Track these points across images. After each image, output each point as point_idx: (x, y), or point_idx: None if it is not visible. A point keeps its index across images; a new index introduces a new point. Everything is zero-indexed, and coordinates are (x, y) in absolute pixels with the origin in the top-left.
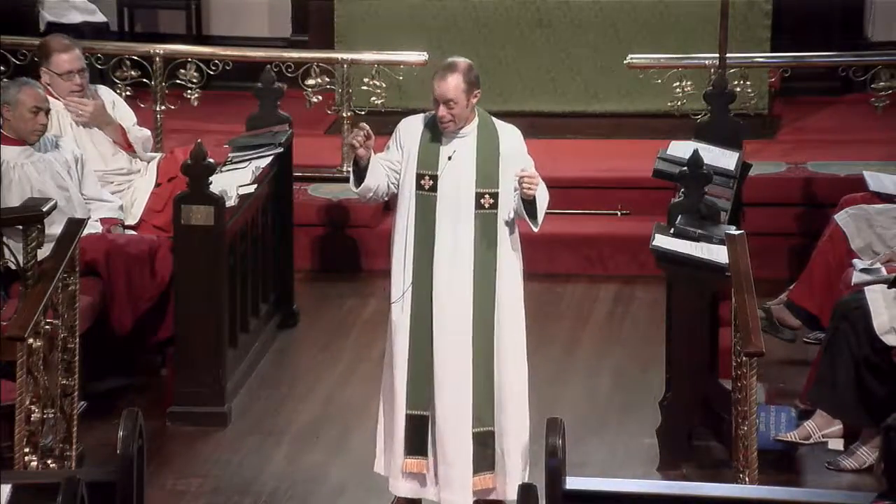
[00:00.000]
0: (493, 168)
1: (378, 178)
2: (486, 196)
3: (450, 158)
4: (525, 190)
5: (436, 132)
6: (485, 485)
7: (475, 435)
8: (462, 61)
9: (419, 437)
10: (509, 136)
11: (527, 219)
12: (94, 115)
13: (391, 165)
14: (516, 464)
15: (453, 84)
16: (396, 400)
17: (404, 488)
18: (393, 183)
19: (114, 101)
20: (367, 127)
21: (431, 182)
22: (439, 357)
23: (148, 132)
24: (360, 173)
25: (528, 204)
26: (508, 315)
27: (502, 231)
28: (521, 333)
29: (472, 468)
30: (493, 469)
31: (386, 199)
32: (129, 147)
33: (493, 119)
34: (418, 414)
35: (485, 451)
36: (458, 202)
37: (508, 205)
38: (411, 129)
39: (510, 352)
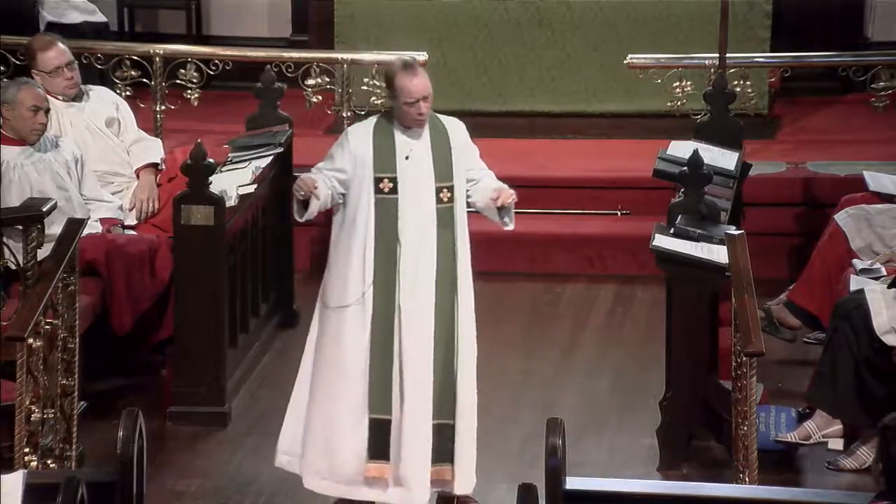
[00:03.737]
0: (447, 162)
1: (322, 198)
2: (444, 190)
3: (407, 158)
4: (507, 203)
5: (387, 135)
6: (442, 475)
7: (435, 426)
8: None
9: (382, 440)
10: (457, 129)
11: (498, 220)
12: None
13: (336, 175)
14: (470, 458)
15: (427, 80)
16: (349, 402)
17: (364, 492)
18: (338, 193)
19: (117, 104)
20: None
21: (391, 184)
22: (407, 356)
23: (152, 142)
24: (304, 203)
25: (501, 209)
26: (465, 306)
27: (459, 223)
28: (473, 323)
29: (430, 461)
30: (452, 461)
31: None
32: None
33: (436, 114)
34: (382, 418)
35: (444, 443)
36: (421, 200)
37: (462, 197)
38: (360, 135)
39: (467, 342)
